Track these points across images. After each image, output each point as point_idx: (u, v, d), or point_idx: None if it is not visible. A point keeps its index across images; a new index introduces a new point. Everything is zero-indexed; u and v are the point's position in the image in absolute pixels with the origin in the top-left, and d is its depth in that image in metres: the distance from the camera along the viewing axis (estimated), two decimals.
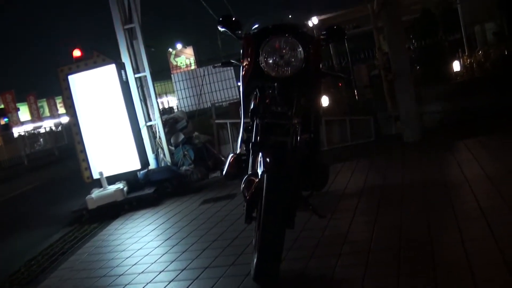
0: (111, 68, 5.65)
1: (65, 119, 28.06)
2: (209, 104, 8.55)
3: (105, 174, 5.58)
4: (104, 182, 5.54)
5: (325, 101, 6.88)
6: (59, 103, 31.92)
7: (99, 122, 5.70)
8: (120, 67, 5.79)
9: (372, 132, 6.58)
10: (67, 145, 20.76)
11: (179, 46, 37.76)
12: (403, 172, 4.41)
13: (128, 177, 5.76)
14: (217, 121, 7.20)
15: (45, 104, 33.96)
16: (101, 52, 5.72)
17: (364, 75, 10.09)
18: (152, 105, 6.42)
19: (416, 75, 8.60)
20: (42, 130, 24.96)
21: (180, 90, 9.45)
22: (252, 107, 2.59)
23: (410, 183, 3.99)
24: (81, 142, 5.70)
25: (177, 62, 35.04)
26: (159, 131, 6.34)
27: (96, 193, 5.45)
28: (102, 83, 5.66)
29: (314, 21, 9.07)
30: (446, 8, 10.58)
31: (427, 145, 5.48)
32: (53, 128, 24.46)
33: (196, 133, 7.09)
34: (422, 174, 4.19)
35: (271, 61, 2.39)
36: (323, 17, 10.05)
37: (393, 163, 4.88)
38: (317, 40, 2.51)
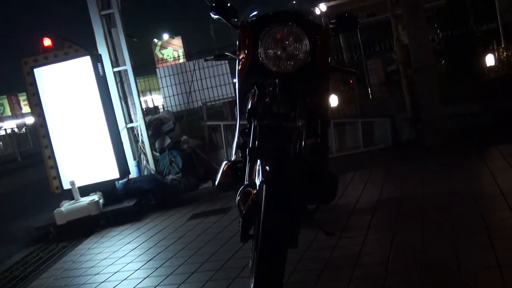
0: (86, 60, 5.64)
1: (30, 120, 27.98)
2: (199, 104, 8.56)
3: (78, 184, 5.57)
4: (76, 193, 5.53)
5: (334, 100, 6.90)
6: (23, 100, 31.90)
7: (70, 123, 5.69)
8: (96, 59, 5.79)
9: (388, 136, 6.60)
10: (32, 149, 20.71)
11: (165, 36, 37.88)
12: (425, 183, 4.41)
13: (105, 188, 5.75)
14: (209, 123, 7.21)
15: (5, 102, 33.92)
16: (74, 42, 5.71)
17: (380, 71, 10.09)
18: (133, 104, 6.43)
19: (441, 70, 8.62)
20: (1, 132, 24.92)
21: (167, 87, 9.45)
22: (249, 107, 2.57)
23: (433, 196, 3.99)
24: (49, 146, 5.69)
25: (163, 54, 35.12)
26: (141, 134, 6.34)
27: (66, 206, 5.43)
28: (75, 77, 5.66)
29: (322, 8, 9.10)
30: None
31: (453, 151, 5.49)
32: (16, 129, 24.39)
33: (184, 137, 7.09)
34: (448, 185, 4.19)
35: (271, 53, 2.39)
36: (332, 3, 10.11)
37: (413, 173, 4.88)
38: (326, 30, 2.50)
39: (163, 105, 10.56)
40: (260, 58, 2.39)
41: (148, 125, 6.50)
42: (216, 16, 2.60)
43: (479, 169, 4.50)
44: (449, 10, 8.83)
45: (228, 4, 2.60)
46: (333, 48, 9.30)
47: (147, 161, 6.33)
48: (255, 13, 2.56)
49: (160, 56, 34.29)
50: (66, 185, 5.64)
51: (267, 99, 2.47)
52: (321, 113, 2.60)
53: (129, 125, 6.37)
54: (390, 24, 7.13)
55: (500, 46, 9.12)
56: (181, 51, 31.60)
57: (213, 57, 3.14)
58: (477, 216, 3.29)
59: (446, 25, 8.68)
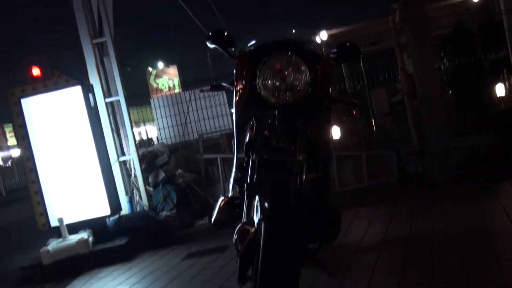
0: (76, 90, 5.67)
1: (16, 152, 27.95)
2: (195, 136, 8.58)
3: (66, 221, 5.53)
4: (64, 231, 5.49)
5: (336, 132, 6.92)
6: (9, 132, 31.90)
7: (59, 157, 5.69)
8: (88, 89, 5.83)
9: (394, 170, 6.58)
10: (18, 183, 20.65)
11: (160, 65, 38.18)
12: (433, 220, 4.39)
13: (95, 225, 5.71)
14: (205, 156, 7.20)
15: None
16: (64, 71, 5.74)
17: (384, 101, 10.17)
18: (126, 136, 6.44)
19: (448, 101, 8.67)
20: None
21: (161, 118, 9.49)
22: (247, 140, 2.58)
23: (443, 234, 3.96)
24: (36, 181, 5.67)
25: (158, 84, 35.33)
26: (134, 168, 6.33)
27: (53, 244, 5.39)
28: (65, 109, 5.68)
29: (323, 36, 9.23)
30: (486, 21, 10.70)
31: (462, 186, 5.47)
32: (1, 162, 24.37)
33: (179, 171, 7.07)
34: (458, 223, 4.16)
35: (270, 84, 2.41)
36: (333, 31, 10.25)
37: (421, 209, 4.86)
38: (327, 59, 2.53)
39: (157, 137, 10.59)
40: (258, 89, 2.41)
41: (141, 159, 6.50)
42: (213, 46, 2.63)
43: (490, 205, 4.48)
44: (456, 38, 8.93)
45: (225, 33, 2.64)
46: (335, 78, 9.40)
47: (140, 196, 6.30)
48: (253, 42, 2.59)
49: (155, 85, 34.49)
50: (54, 222, 5.60)
51: (266, 132, 2.48)
52: (323, 146, 2.61)
53: (121, 159, 6.37)
54: (394, 52, 7.22)
55: (511, 75, 9.19)
56: (176, 80, 31.85)
57: (209, 87, 3.16)
58: (490, 255, 3.26)
59: (453, 53, 8.78)
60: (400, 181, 6.45)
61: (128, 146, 6.44)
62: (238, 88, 2.49)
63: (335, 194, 6.26)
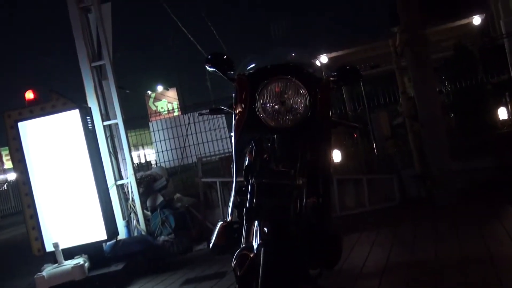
0: (74, 114, 5.69)
1: (12, 176, 27.90)
2: (194, 159, 8.56)
3: (61, 246, 5.49)
4: (60, 256, 5.45)
5: (336, 156, 6.92)
6: (5, 155, 31.91)
7: (56, 180, 5.67)
8: (86, 112, 5.84)
9: (395, 194, 6.57)
10: (14, 207, 20.57)
11: (159, 88, 38.39)
12: (436, 245, 4.36)
13: (91, 250, 5.66)
14: (204, 179, 7.19)
15: None
16: (62, 94, 5.76)
17: (385, 125, 10.19)
18: (124, 159, 6.44)
19: (450, 124, 8.68)
20: None
21: (159, 141, 9.48)
22: (246, 163, 2.59)
23: (447, 259, 3.93)
24: (31, 205, 5.64)
25: (157, 107, 35.50)
26: (132, 192, 6.32)
27: (48, 270, 5.34)
28: (62, 132, 5.68)
29: (322, 59, 9.29)
30: (487, 44, 10.78)
31: (465, 210, 5.46)
32: None
33: (178, 195, 7.06)
34: (462, 248, 4.14)
35: (270, 108, 2.42)
36: (333, 54, 10.33)
37: (424, 234, 4.83)
38: (326, 82, 2.56)
39: (155, 160, 10.57)
40: (258, 113, 2.42)
41: (139, 182, 6.49)
42: (212, 69, 2.65)
43: (494, 229, 4.46)
44: (457, 61, 8.98)
45: (225, 56, 2.66)
46: (335, 100, 9.43)
47: (138, 220, 6.28)
48: (253, 65, 2.62)
49: (154, 108, 34.66)
50: (49, 247, 5.56)
51: (265, 156, 2.49)
52: (323, 170, 2.61)
53: (119, 182, 6.36)
54: (395, 75, 7.26)
55: None
56: (176, 103, 31.94)
57: (208, 111, 3.18)
58: (494, 281, 3.23)
59: (454, 76, 8.81)
60: (402, 205, 6.43)
61: (126, 170, 6.44)
62: (237, 111, 2.50)
63: (336, 218, 6.25)
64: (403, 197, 6.58)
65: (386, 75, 9.80)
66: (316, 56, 3.04)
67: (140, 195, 6.35)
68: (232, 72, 2.62)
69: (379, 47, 9.81)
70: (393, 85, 8.18)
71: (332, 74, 2.66)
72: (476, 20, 11.38)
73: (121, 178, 6.45)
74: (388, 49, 7.24)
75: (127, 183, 6.37)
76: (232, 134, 2.59)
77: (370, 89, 10.58)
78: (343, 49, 10.81)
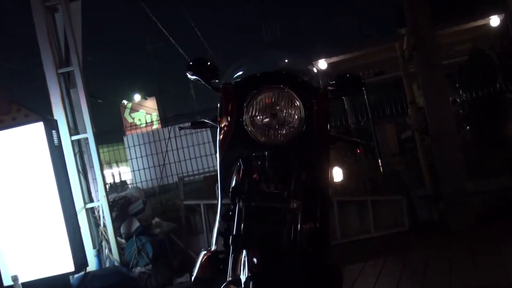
0: (38, 127, 5.66)
1: None
2: (175, 178, 8.55)
3: (22, 279, 5.44)
4: None
5: (337, 175, 6.92)
6: None
7: (16, 204, 5.62)
8: (51, 126, 5.81)
9: (404, 218, 6.58)
10: None
11: (137, 97, 38.34)
12: (451, 275, 4.36)
13: (56, 284, 5.62)
14: (186, 202, 7.17)
15: None
16: (24, 104, 5.73)
17: (392, 139, 10.23)
18: (95, 179, 6.41)
19: (465, 138, 8.72)
20: None
21: (136, 158, 9.47)
22: (233, 184, 2.57)
23: None
24: None
25: (133, 118, 35.43)
26: (103, 217, 6.28)
27: None
28: (24, 148, 5.64)
29: (321, 65, 9.34)
30: (507, 48, 10.82)
31: (482, 235, 5.46)
32: None
33: (156, 220, 7.03)
34: (478, 277, 4.14)
35: (259, 121, 2.41)
36: (333, 60, 10.36)
37: (436, 262, 4.83)
38: (324, 92, 2.55)
39: (131, 180, 10.55)
40: (246, 127, 2.41)
41: (112, 205, 6.46)
42: (194, 77, 2.63)
43: None
44: (473, 67, 9.01)
45: (208, 63, 2.65)
46: (335, 112, 9.46)
47: (110, 249, 6.23)
48: (240, 73, 2.61)
49: (130, 120, 34.55)
50: (7, 281, 5.50)
51: (254, 175, 2.47)
52: (321, 191, 2.60)
53: (89, 205, 6.32)
54: (402, 83, 7.29)
55: None
56: (155, 115, 31.92)
57: (190, 124, 3.16)
58: None
59: (469, 84, 8.84)
60: (412, 230, 6.44)
61: (97, 191, 6.41)
62: (223, 125, 2.49)
63: (337, 246, 6.24)
64: (413, 221, 6.58)
65: (393, 83, 9.87)
66: (313, 61, 3.03)
67: (113, 220, 6.32)
68: (216, 81, 2.61)
69: (384, 52, 9.85)
70: (400, 94, 8.22)
71: (331, 82, 2.66)
72: (494, 20, 11.47)
73: (91, 200, 6.41)
74: (395, 53, 7.29)
75: (98, 206, 6.34)
76: (217, 150, 2.58)
77: (375, 99, 10.63)
78: (343, 54, 10.83)
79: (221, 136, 2.49)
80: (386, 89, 10.62)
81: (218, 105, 2.54)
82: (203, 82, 2.61)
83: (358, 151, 9.09)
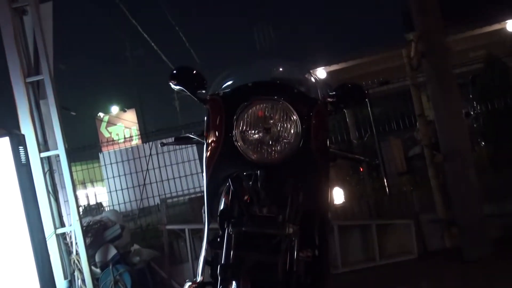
0: (3, 143, 5.64)
1: None
2: (157, 200, 8.52)
3: None
4: None
5: (338, 196, 6.92)
6: None
7: None
8: (18, 141, 5.79)
9: (413, 244, 6.57)
10: None
11: (114, 109, 38.30)
12: None
13: None
14: (169, 226, 7.15)
15: None
16: None
17: (399, 156, 10.26)
18: (67, 200, 6.37)
19: (480, 155, 8.73)
20: None
21: (113, 177, 9.43)
22: (222, 207, 2.57)
23: None
24: None
25: (110, 133, 35.37)
26: (76, 243, 6.24)
27: None
28: None
29: (319, 74, 9.37)
30: None
31: (500, 264, 5.46)
32: None
33: (135, 247, 6.99)
34: None
35: (251, 136, 2.42)
36: (332, 68, 10.41)
37: None
38: (323, 104, 2.56)
39: (107, 202, 10.51)
40: (236, 142, 2.41)
41: (86, 230, 6.42)
42: (178, 87, 2.64)
43: None
44: (489, 76, 9.03)
45: (194, 71, 2.65)
46: (335, 126, 9.47)
47: (83, 280, 6.19)
48: (230, 83, 2.61)
49: (107, 135, 34.49)
50: None
51: (245, 197, 2.47)
52: (320, 215, 2.61)
53: (60, 230, 6.28)
54: (410, 94, 7.31)
55: None
56: (134, 129, 31.89)
57: (173, 140, 3.16)
58: None
59: (484, 95, 8.86)
60: (421, 258, 6.43)
61: (69, 214, 6.37)
62: (210, 141, 2.49)
63: (338, 276, 6.22)
64: (422, 249, 6.58)
65: (399, 94, 9.90)
66: (310, 70, 3.05)
67: (87, 247, 6.27)
68: (203, 91, 2.61)
69: (390, 59, 9.93)
70: (408, 106, 8.24)
71: (331, 93, 2.67)
72: (511, 25, 11.57)
73: (62, 225, 6.37)
74: (402, 61, 7.31)
75: (70, 231, 6.29)
76: (204, 169, 2.58)
77: (380, 111, 10.65)
78: (344, 61, 10.90)
79: (208, 153, 2.50)
80: (392, 101, 10.64)
81: (205, 118, 2.55)
82: (188, 93, 2.62)
83: (361, 169, 9.10)
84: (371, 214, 7.20)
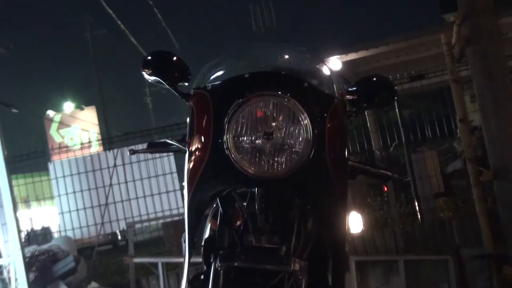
0: None
1: None
2: (123, 225, 8.52)
3: None
4: None
5: (356, 223, 6.91)
6: None
7: None
8: None
9: (451, 286, 6.57)
10: None
11: (68, 106, 38.31)
12: None
13: None
14: (137, 259, 7.14)
15: None
16: None
17: (434, 172, 10.26)
18: (4, 223, 6.37)
19: None
20: None
21: (66, 194, 9.44)
22: (207, 235, 2.56)
23: None
24: None
25: (63, 137, 35.37)
26: (16, 279, 6.23)
27: None
28: None
29: (333, 63, 9.36)
30: None
31: None
32: None
33: (94, 285, 6.99)
34: None
35: (247, 144, 2.39)
36: (350, 57, 10.38)
37: None
38: (341, 103, 2.54)
39: (58, 226, 10.50)
40: (227, 151, 2.39)
41: (29, 263, 6.41)
42: (153, 78, 2.61)
43: None
44: None
45: (174, 58, 2.63)
46: (352, 132, 9.48)
47: None
48: (220, 73, 2.59)
49: (59, 139, 34.51)
50: None
51: (237, 222, 2.46)
52: (334, 247, 2.59)
53: None
54: (450, 92, 7.30)
55: None
56: (94, 132, 31.91)
57: (146, 146, 3.13)
58: None
59: None
60: None
61: (7, 242, 6.36)
62: (194, 149, 2.46)
63: None
64: None
65: (435, 92, 9.91)
66: (323, 58, 3.02)
67: (31, 284, 6.26)
68: (186, 84, 2.59)
69: (424, 47, 9.91)
70: (446, 107, 8.25)
71: (350, 89, 2.65)
72: None
73: None
74: (439, 49, 7.32)
75: (9, 263, 6.28)
76: (185, 185, 2.55)
77: (410, 114, 10.66)
78: (365, 49, 10.83)
79: (191, 165, 2.47)
80: (426, 101, 10.67)
81: (188, 119, 2.52)
82: (167, 86, 2.59)
83: (386, 189, 9.11)
84: (397, 247, 7.19)
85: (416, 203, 8.82)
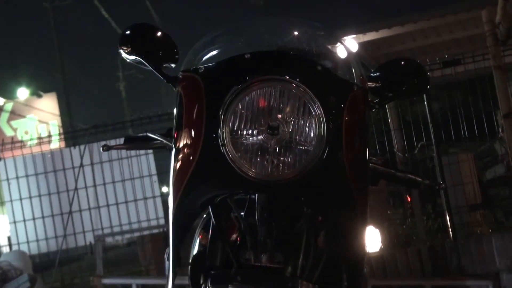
0: None
1: None
2: (90, 238, 8.53)
3: None
4: None
5: (373, 240, 6.92)
6: None
7: None
8: None
9: None
10: None
11: (23, 93, 38.35)
12: None
13: None
14: (107, 280, 7.16)
15: None
16: None
17: (470, 178, 10.27)
18: None
19: None
20: None
21: (20, 199, 9.45)
22: (196, 251, 2.57)
23: None
24: None
25: (15, 130, 35.38)
26: None
27: None
28: None
29: (349, 44, 9.36)
30: None
31: None
32: None
33: None
34: None
35: (247, 139, 2.39)
36: (369, 37, 10.39)
37: None
38: (362, 91, 2.53)
39: (8, 238, 10.51)
40: (223, 148, 2.39)
41: None
42: (133, 57, 2.61)
43: None
44: None
45: (159, 33, 2.62)
46: (371, 129, 9.49)
47: None
48: (215, 53, 2.59)
49: (10, 133, 34.52)
50: None
51: (233, 236, 2.46)
52: (349, 268, 2.60)
53: None
54: (492, 81, 7.32)
55: None
56: (55, 124, 31.94)
57: (123, 141, 3.13)
58: None
59: None
60: None
61: None
62: (182, 145, 2.46)
63: None
64: None
65: (474, 81, 9.93)
66: (338, 37, 2.99)
67: None
68: (173, 65, 2.59)
69: (460, 26, 9.93)
70: (486, 100, 8.27)
71: (373, 75, 2.65)
72: None
73: None
74: (480, 29, 7.34)
75: None
76: (170, 190, 2.55)
77: (441, 108, 10.68)
78: (388, 27, 10.85)
79: (179, 164, 2.47)
80: (462, 92, 10.67)
81: (175, 109, 2.51)
82: (149, 67, 2.58)
83: (409, 198, 9.13)
84: (424, 269, 7.21)
85: (447, 217, 8.83)
